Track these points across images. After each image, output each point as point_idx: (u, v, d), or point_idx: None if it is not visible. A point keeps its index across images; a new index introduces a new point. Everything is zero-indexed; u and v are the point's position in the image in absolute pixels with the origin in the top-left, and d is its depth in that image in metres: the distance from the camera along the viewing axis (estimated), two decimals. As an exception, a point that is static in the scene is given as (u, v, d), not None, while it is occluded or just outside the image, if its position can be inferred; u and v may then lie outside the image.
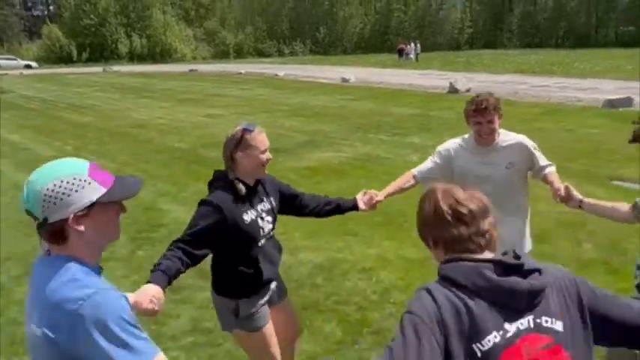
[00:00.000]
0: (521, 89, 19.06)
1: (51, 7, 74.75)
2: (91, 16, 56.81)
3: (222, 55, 63.35)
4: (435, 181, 3.10)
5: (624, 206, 2.58)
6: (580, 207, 2.77)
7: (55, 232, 1.39)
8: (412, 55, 41.33)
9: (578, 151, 9.22)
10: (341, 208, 2.87)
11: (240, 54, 64.48)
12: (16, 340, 3.81)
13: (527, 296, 1.31)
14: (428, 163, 3.14)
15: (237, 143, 2.44)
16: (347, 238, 5.60)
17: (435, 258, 1.47)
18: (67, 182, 1.39)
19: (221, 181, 2.52)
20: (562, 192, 2.82)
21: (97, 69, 43.65)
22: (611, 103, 14.15)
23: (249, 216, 2.50)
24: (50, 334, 1.29)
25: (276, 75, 30.81)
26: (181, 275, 4.95)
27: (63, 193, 1.37)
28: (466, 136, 3.16)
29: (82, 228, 1.40)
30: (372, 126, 12.71)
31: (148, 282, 2.25)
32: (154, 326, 3.90)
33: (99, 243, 1.47)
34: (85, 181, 1.41)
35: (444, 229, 1.41)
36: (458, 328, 1.27)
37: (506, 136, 3.09)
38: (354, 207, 2.90)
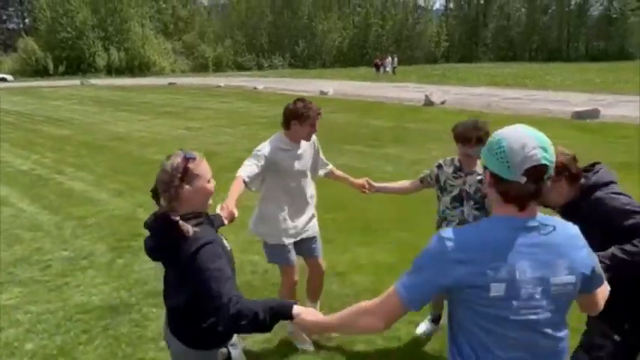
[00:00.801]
0: (493, 101, 19.58)
1: (26, 20, 74.09)
2: (68, 29, 56.54)
3: (201, 68, 63.45)
4: (259, 181, 3.41)
5: (407, 182, 3.78)
6: (377, 191, 3.84)
7: None
8: (389, 69, 42.01)
9: (545, 161, 9.58)
10: (217, 227, 2.84)
11: (219, 67, 64.65)
12: (0, 344, 3.92)
13: None
14: (253, 168, 3.33)
15: (183, 176, 2.06)
16: (322, 245, 5.80)
17: (559, 188, 2.32)
18: None
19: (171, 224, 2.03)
20: (367, 185, 3.80)
21: (74, 82, 43.39)
22: (579, 115, 14.68)
23: (226, 243, 2.33)
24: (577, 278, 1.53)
25: (255, 88, 31.02)
26: (160, 280, 5.10)
27: None
28: (276, 136, 3.54)
29: None
30: (349, 138, 12.97)
31: (286, 313, 1.89)
32: (135, 328, 4.05)
33: None
34: None
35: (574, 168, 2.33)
36: None
37: None
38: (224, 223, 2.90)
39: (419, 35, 72.68)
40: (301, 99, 3.50)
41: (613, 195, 2.25)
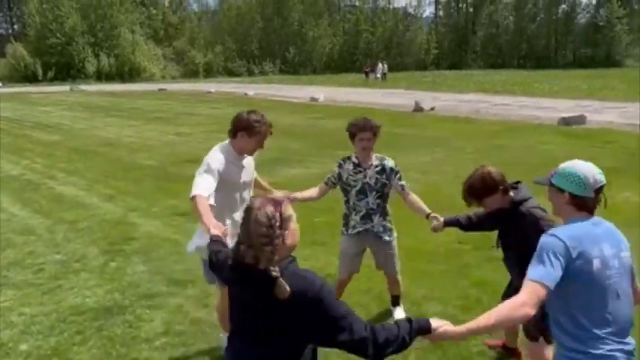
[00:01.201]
0: (482, 108, 19.80)
1: (15, 26, 73.68)
2: (58, 35, 56.26)
3: (191, 74, 63.37)
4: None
5: (315, 188, 4.11)
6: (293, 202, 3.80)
7: None
8: (379, 75, 42.31)
9: (533, 166, 9.72)
10: None
11: (209, 73, 64.61)
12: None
13: None
14: (211, 184, 3.16)
15: (281, 223, 1.93)
16: (314, 247, 5.89)
17: (495, 198, 3.03)
18: None
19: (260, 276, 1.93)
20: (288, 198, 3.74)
21: (63, 88, 43.19)
22: (566, 121, 14.90)
23: None
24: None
25: (246, 94, 31.10)
26: (154, 282, 5.15)
27: None
28: (219, 147, 3.41)
29: None
30: (340, 143, 13.01)
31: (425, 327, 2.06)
32: (129, 329, 4.10)
33: None
34: None
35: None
36: None
37: None
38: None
39: (409, 42, 73.10)
40: (254, 111, 3.37)
41: (533, 209, 2.96)
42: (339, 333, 1.92)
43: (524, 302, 2.02)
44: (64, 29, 56.73)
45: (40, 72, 55.61)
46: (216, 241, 2.46)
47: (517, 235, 2.95)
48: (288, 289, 1.88)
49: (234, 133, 3.33)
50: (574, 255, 2.09)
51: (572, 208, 2.22)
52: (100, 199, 8.34)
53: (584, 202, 2.20)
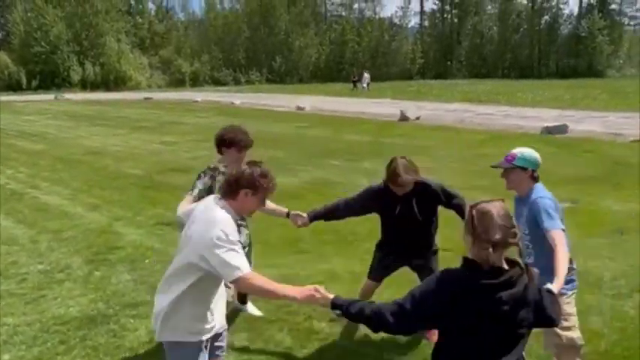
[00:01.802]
0: (467, 117, 20.00)
1: (-1, 34, 73.00)
2: (42, 43, 55.81)
3: (177, 83, 63.18)
4: None
5: (186, 204, 3.50)
6: None
7: None
8: (365, 85, 42.57)
9: (516, 174, 9.84)
10: None
11: (196, 82, 64.46)
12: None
13: None
14: (242, 256, 2.60)
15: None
16: (299, 256, 5.91)
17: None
18: None
19: None
20: None
21: (48, 97, 42.82)
22: (548, 130, 15.13)
23: None
24: None
25: (233, 103, 31.08)
26: (138, 292, 5.12)
27: None
28: (220, 208, 2.69)
29: None
30: (326, 152, 13.13)
31: None
32: (113, 339, 4.08)
33: None
34: None
35: None
36: None
37: None
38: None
39: (395, 52, 73.58)
40: (257, 163, 2.82)
41: (428, 178, 3.90)
42: (547, 310, 2.13)
43: (564, 244, 2.83)
44: (49, 38, 56.32)
45: (24, 80, 55.08)
46: (337, 304, 2.34)
47: (431, 200, 3.85)
48: (537, 271, 2.08)
49: (235, 192, 2.69)
50: (559, 208, 3.05)
51: (532, 180, 3.15)
52: (84, 209, 8.28)
53: (537, 176, 3.16)
